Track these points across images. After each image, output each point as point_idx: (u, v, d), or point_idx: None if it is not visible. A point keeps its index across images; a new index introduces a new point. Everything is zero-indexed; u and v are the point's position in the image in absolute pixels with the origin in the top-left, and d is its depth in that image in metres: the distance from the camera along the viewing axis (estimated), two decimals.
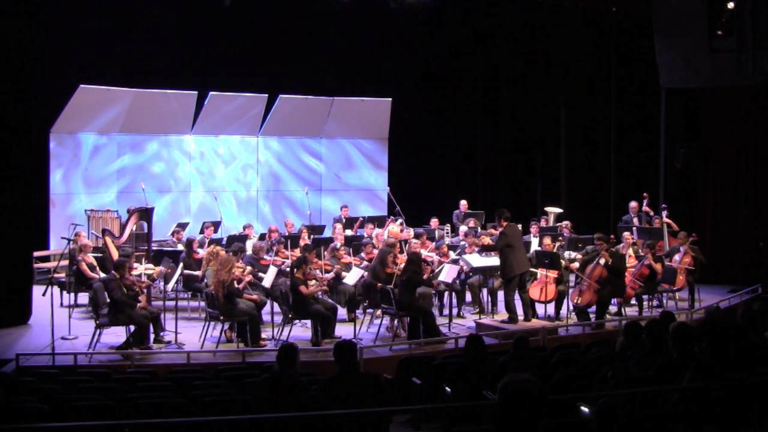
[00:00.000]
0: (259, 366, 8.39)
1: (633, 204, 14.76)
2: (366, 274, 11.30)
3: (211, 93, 15.87)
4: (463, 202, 15.91)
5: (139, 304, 9.87)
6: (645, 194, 14.74)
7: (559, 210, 15.64)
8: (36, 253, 13.50)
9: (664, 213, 13.90)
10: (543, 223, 14.84)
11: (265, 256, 11.88)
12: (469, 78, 18.59)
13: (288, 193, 17.37)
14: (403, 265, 10.75)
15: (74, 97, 14.55)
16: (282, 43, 16.72)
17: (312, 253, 10.94)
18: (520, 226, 12.20)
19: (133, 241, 12.74)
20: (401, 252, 11.79)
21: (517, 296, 11.25)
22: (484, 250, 11.65)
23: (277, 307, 11.27)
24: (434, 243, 13.35)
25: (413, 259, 10.63)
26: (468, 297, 12.66)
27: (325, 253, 12.01)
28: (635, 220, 14.58)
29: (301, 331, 10.89)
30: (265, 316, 11.14)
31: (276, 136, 17.17)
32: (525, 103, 18.31)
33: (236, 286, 10.21)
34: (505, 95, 18.31)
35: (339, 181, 17.81)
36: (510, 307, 11.02)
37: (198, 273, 11.56)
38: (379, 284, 10.83)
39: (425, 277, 10.86)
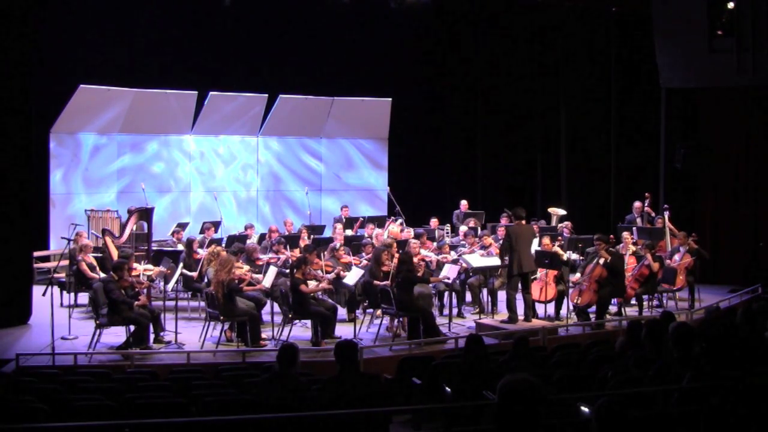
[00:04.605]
0: (259, 366, 8.39)
1: (637, 204, 14.73)
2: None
3: (211, 93, 15.87)
4: (463, 202, 15.91)
5: (136, 303, 9.85)
6: (647, 194, 14.73)
7: (562, 211, 15.59)
8: (36, 253, 13.50)
9: (667, 214, 13.87)
10: (542, 223, 14.85)
11: (261, 256, 11.89)
12: (469, 78, 18.58)
13: (288, 193, 17.37)
14: (396, 265, 10.75)
15: (74, 97, 14.55)
16: (282, 43, 16.72)
17: (312, 253, 10.94)
18: (535, 228, 12.46)
19: (133, 241, 12.75)
20: (398, 251, 11.77)
21: (519, 296, 11.25)
22: (501, 255, 11.57)
23: (277, 307, 11.28)
24: (435, 243, 13.35)
25: (405, 258, 10.63)
26: (468, 297, 12.66)
27: (325, 253, 12.01)
28: (638, 221, 14.56)
29: (301, 331, 10.89)
30: (265, 316, 11.14)
31: (276, 136, 17.18)
32: (525, 103, 18.31)
33: (237, 285, 10.20)
34: (505, 95, 18.30)
35: (339, 181, 17.81)
36: (511, 306, 11.02)
37: (194, 274, 11.56)
38: (376, 282, 10.84)
39: (420, 275, 10.86)
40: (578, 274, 11.79)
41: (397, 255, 11.24)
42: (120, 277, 9.84)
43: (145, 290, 10.30)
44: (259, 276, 10.96)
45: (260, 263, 11.57)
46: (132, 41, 15.38)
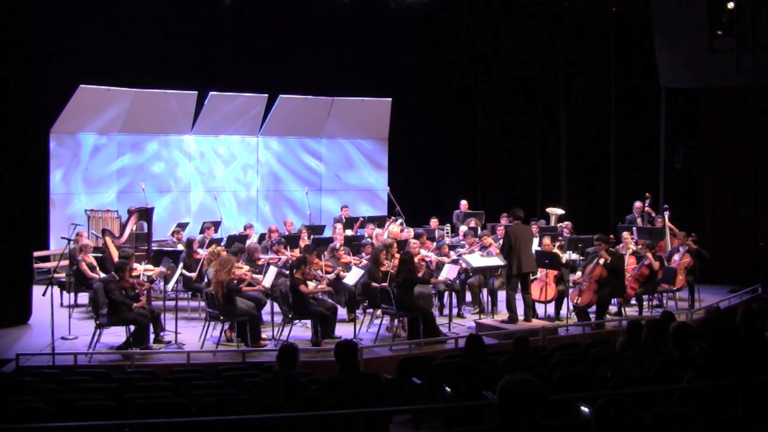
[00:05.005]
0: (259, 366, 8.39)
1: (637, 204, 14.73)
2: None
3: (211, 93, 15.87)
4: (463, 202, 15.91)
5: (136, 304, 9.84)
6: (647, 194, 14.73)
7: (560, 211, 15.63)
8: (36, 253, 13.50)
9: (667, 214, 13.87)
10: (542, 223, 14.86)
11: (262, 256, 11.88)
12: (469, 77, 18.58)
13: (288, 193, 17.37)
14: (397, 265, 10.75)
15: (74, 97, 14.55)
16: (282, 43, 16.72)
17: (312, 253, 10.93)
18: (535, 228, 12.47)
19: (133, 241, 12.76)
20: (400, 252, 11.74)
21: (518, 296, 11.25)
22: (502, 252, 11.59)
23: (277, 307, 11.27)
24: (435, 243, 13.35)
25: (406, 258, 10.62)
26: (468, 297, 12.66)
27: (325, 253, 12.01)
28: (638, 221, 14.56)
29: (301, 331, 10.89)
30: (265, 316, 11.14)
31: (276, 136, 17.17)
32: (524, 103, 18.31)
33: (236, 285, 10.20)
34: (505, 95, 18.31)
35: (339, 181, 17.81)
36: (510, 306, 11.02)
37: (193, 275, 11.55)
38: (374, 284, 10.85)
39: (420, 275, 10.84)
40: (579, 273, 11.80)
41: (397, 255, 11.25)
42: (121, 277, 9.84)
43: (145, 292, 10.27)
44: (259, 276, 10.97)
45: (261, 263, 11.56)
46: (132, 41, 15.37)
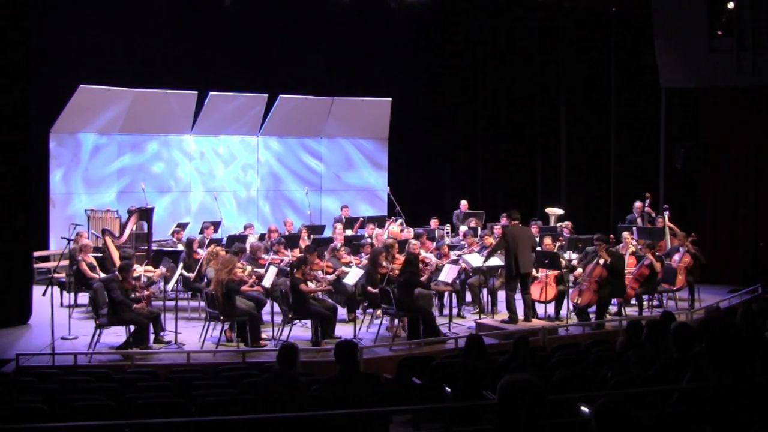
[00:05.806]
0: (259, 366, 8.39)
1: (638, 204, 14.72)
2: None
3: (211, 93, 15.87)
4: (464, 202, 15.91)
5: (136, 306, 9.83)
6: (647, 194, 14.72)
7: (560, 211, 15.65)
8: (36, 253, 13.50)
9: (666, 214, 13.87)
10: (540, 224, 14.86)
11: (264, 256, 11.88)
12: (469, 78, 18.58)
13: (288, 193, 17.37)
14: (398, 265, 10.74)
15: (74, 97, 14.55)
16: (282, 43, 16.73)
17: (313, 254, 10.93)
18: (535, 228, 12.44)
19: (133, 241, 12.76)
20: (400, 252, 11.74)
21: (518, 296, 11.25)
22: (491, 253, 11.65)
23: (277, 307, 11.28)
24: (434, 243, 13.34)
25: (410, 259, 10.61)
26: (468, 297, 12.66)
27: (325, 253, 12.00)
28: (639, 221, 14.56)
29: (301, 331, 10.89)
30: (265, 316, 11.14)
31: (276, 136, 17.17)
32: (525, 103, 18.31)
33: (236, 285, 10.18)
34: (505, 95, 18.31)
35: (339, 181, 17.81)
36: (510, 307, 11.03)
37: (192, 275, 11.54)
38: (370, 288, 10.84)
39: (423, 278, 10.84)
40: (579, 270, 11.80)
41: (398, 256, 11.24)
42: (124, 278, 9.85)
43: (145, 296, 10.24)
44: (260, 271, 10.97)
45: (263, 262, 11.55)
46: (132, 41, 15.37)
